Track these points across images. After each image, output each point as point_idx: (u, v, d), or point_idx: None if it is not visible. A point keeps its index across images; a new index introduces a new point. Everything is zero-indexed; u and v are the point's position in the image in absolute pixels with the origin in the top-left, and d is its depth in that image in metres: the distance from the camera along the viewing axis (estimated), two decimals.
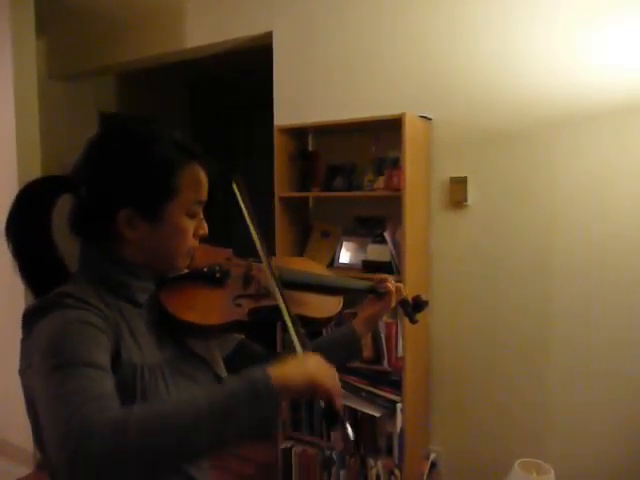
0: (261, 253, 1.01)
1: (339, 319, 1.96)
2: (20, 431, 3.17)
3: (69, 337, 0.77)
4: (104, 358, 0.78)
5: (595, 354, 2.24)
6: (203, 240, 1.00)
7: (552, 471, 1.97)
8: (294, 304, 1.03)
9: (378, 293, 1.25)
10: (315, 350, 0.94)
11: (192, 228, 0.94)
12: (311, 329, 1.16)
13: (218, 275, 1.02)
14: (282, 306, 0.94)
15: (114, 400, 0.72)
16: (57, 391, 0.71)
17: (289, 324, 0.92)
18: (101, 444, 0.65)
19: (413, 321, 1.31)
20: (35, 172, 3.19)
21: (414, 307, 1.32)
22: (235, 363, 1.05)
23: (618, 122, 2.15)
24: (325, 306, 1.13)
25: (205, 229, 0.97)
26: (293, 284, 1.08)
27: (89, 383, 0.72)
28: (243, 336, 1.14)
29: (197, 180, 0.93)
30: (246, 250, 1.11)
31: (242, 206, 1.02)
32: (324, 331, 1.96)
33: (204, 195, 0.95)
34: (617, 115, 2.15)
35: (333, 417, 0.84)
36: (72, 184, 0.91)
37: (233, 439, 0.73)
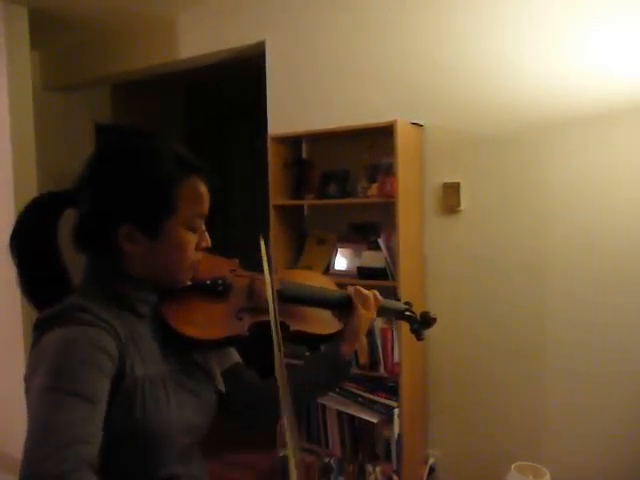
0: (265, 265, 0.97)
1: None
2: (20, 443, 3.16)
3: (75, 360, 0.78)
4: (103, 386, 0.79)
5: (591, 357, 2.25)
6: (208, 250, 0.99)
7: (548, 474, 1.99)
8: (295, 319, 1.03)
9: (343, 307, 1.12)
10: (300, 370, 1.08)
11: (193, 242, 0.94)
12: (312, 345, 1.13)
13: (220, 288, 1.00)
14: (272, 317, 0.88)
15: (94, 445, 0.74)
16: (46, 416, 0.74)
17: (274, 337, 0.85)
18: None
19: (420, 338, 1.25)
20: (31, 183, 3.20)
21: (421, 323, 1.26)
22: (225, 384, 1.04)
23: (609, 125, 2.17)
24: (327, 322, 1.10)
25: (208, 241, 0.97)
26: (294, 298, 1.06)
27: (77, 422, 0.74)
28: (239, 360, 1.12)
29: (197, 194, 0.93)
30: (243, 257, 1.11)
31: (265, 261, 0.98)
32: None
33: (205, 208, 0.95)
34: (608, 118, 2.16)
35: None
36: (74, 199, 0.93)
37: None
